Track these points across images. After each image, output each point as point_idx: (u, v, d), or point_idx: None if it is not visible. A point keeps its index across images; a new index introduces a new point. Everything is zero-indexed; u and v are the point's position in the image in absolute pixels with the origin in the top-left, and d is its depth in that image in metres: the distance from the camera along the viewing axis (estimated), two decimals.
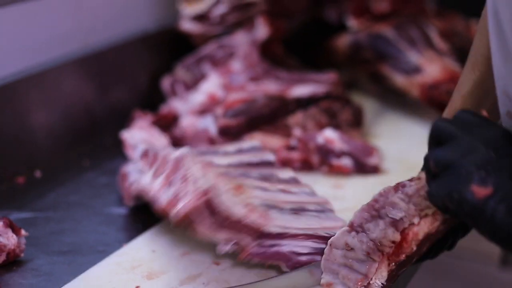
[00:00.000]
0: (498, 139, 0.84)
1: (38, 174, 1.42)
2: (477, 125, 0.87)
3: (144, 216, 1.24)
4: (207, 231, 1.01)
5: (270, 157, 1.27)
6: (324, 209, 1.13)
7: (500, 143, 0.84)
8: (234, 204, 1.05)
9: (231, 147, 1.31)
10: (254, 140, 1.45)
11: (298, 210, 1.11)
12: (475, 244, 2.69)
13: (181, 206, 1.03)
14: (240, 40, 1.66)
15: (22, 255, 1.13)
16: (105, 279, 1.07)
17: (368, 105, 1.70)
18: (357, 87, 1.81)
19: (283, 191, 1.16)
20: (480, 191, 0.80)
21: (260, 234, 1.02)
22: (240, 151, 1.29)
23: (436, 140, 0.91)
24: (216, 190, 1.04)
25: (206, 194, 1.03)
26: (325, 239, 1.00)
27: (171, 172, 1.10)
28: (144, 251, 1.14)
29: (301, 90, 1.54)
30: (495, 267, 2.56)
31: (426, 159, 0.91)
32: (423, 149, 1.50)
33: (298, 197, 1.15)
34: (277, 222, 1.05)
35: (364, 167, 1.38)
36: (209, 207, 1.02)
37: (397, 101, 1.73)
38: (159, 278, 1.06)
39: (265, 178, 1.18)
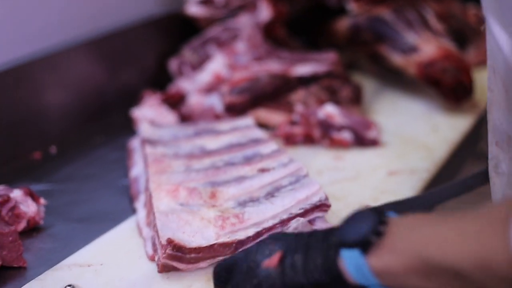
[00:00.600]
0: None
1: (53, 150, 1.49)
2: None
3: None
4: (189, 267, 1.04)
5: (258, 134, 1.36)
6: (298, 178, 1.18)
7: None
8: (204, 229, 1.08)
9: (227, 125, 1.40)
10: (258, 115, 1.52)
11: (273, 192, 1.16)
12: None
13: (157, 263, 1.05)
14: (244, 22, 1.73)
15: (42, 222, 1.21)
16: (120, 242, 1.14)
17: (367, 84, 1.77)
18: (357, 68, 1.87)
19: (262, 170, 1.22)
20: (270, 262, 0.83)
21: (237, 244, 1.05)
22: (234, 129, 1.37)
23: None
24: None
25: (169, 244, 1.03)
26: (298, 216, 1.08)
27: (149, 206, 1.16)
28: None
29: (302, 69, 1.61)
30: None
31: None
32: (419, 124, 1.58)
33: (273, 175, 1.20)
34: (252, 220, 1.10)
35: (363, 140, 1.45)
36: (178, 253, 1.03)
37: (395, 79, 1.79)
38: None
39: (248, 160, 1.26)
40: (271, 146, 1.30)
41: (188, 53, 1.75)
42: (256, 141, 1.32)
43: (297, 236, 0.84)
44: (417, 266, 0.70)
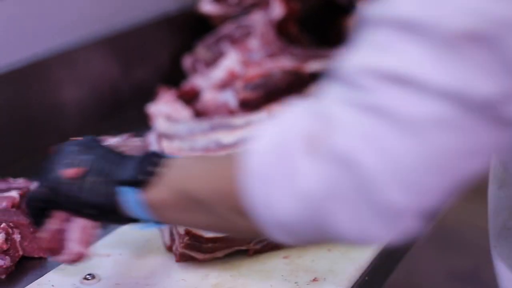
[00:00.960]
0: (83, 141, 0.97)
1: None
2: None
3: None
4: (206, 257, 1.06)
5: None
6: None
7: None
8: None
9: (241, 119, 1.41)
10: (272, 111, 1.54)
11: None
12: (482, 221, 2.77)
13: (174, 253, 1.08)
14: (257, 20, 1.76)
15: None
16: (138, 233, 1.15)
17: None
18: None
19: None
20: (71, 172, 0.88)
21: None
22: (248, 123, 1.39)
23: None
24: None
25: (187, 234, 1.05)
26: None
27: None
28: None
29: (315, 65, 1.64)
30: None
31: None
32: None
33: None
34: None
35: None
36: (195, 243, 1.06)
37: None
38: None
39: None
40: None
41: (201, 50, 1.78)
42: None
43: (102, 155, 0.89)
44: (180, 199, 0.80)
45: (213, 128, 1.38)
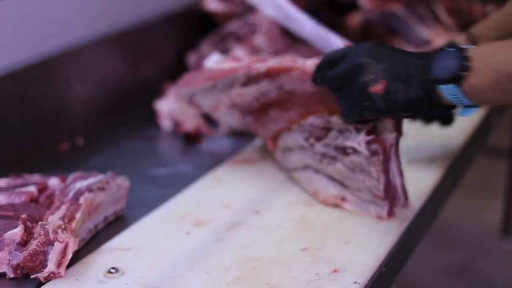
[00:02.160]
0: (374, 48, 1.05)
1: (80, 141, 1.53)
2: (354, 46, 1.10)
3: (186, 176, 1.36)
4: None
5: None
6: None
7: (377, 49, 1.05)
8: None
9: None
10: None
11: None
12: (478, 216, 2.81)
13: None
14: (262, 17, 1.77)
15: None
16: (157, 227, 1.18)
17: None
18: None
19: None
20: (377, 89, 1.02)
21: None
22: None
23: (328, 66, 1.12)
24: None
25: None
26: None
27: None
28: (189, 203, 1.25)
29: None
30: (496, 237, 2.67)
31: (327, 81, 1.11)
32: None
33: None
34: None
35: None
36: None
37: None
38: (207, 225, 1.18)
39: None
40: None
41: (206, 48, 1.79)
42: None
43: (396, 61, 1.03)
44: (500, 80, 0.94)
45: None
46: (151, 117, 1.64)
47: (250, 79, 1.27)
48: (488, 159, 2.70)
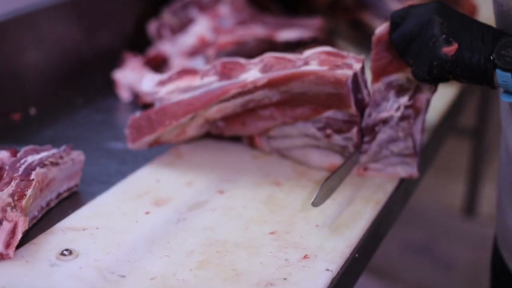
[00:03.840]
0: (442, 8, 1.05)
1: (33, 111, 1.44)
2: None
3: (144, 150, 1.27)
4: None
5: None
6: None
7: (445, 9, 1.05)
8: None
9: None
10: None
11: None
12: (439, 195, 2.78)
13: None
14: None
15: None
16: (114, 206, 1.10)
17: (348, 50, 1.74)
18: (336, 34, 1.85)
19: None
20: (449, 50, 1.02)
21: None
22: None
23: (395, 24, 1.10)
24: None
25: None
26: None
27: None
28: (148, 180, 1.17)
29: (288, 34, 1.58)
30: (458, 218, 2.65)
31: (393, 40, 1.10)
32: None
33: None
34: None
35: None
36: None
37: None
38: (167, 205, 1.10)
39: None
40: None
41: (167, 16, 1.71)
42: None
43: (467, 28, 1.03)
44: None
45: None
46: (109, 87, 1.55)
47: (241, 93, 1.17)
48: (450, 139, 2.67)
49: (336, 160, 1.18)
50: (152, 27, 1.71)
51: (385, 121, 1.14)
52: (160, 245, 1.00)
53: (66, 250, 0.98)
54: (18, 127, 1.39)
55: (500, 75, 0.99)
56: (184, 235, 1.02)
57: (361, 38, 1.80)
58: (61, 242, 1.00)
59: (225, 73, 1.18)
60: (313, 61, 1.13)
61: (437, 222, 2.62)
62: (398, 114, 1.13)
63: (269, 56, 1.17)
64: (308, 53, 1.15)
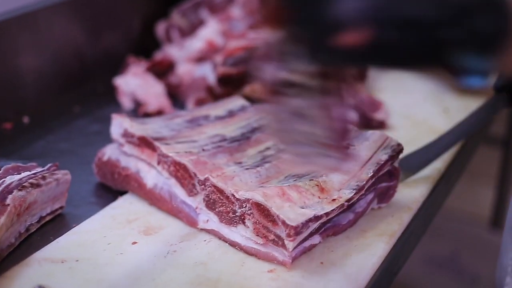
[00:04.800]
0: None
1: (26, 120, 1.35)
2: None
3: None
4: None
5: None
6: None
7: None
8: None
9: (220, 109, 1.19)
10: (255, 89, 1.37)
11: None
12: (467, 207, 2.66)
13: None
14: None
15: None
16: (99, 233, 1.00)
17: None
18: None
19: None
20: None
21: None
22: (231, 114, 1.18)
23: None
24: None
25: None
26: None
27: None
28: (140, 204, 1.07)
29: None
30: (485, 229, 2.54)
31: None
32: (428, 105, 1.45)
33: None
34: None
35: (370, 121, 1.31)
36: None
37: None
38: (158, 234, 1.00)
39: None
40: None
41: (177, 17, 1.60)
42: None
43: None
44: None
45: (195, 123, 1.16)
46: (111, 94, 1.45)
47: None
48: (481, 147, 2.55)
49: None
50: (160, 28, 1.60)
51: None
52: (144, 283, 0.90)
53: (40, 287, 0.88)
54: (8, 138, 1.29)
55: None
56: (172, 272, 0.92)
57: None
58: (36, 276, 0.90)
59: (177, 177, 1.03)
60: (248, 219, 0.95)
61: (463, 233, 2.51)
62: None
63: (212, 183, 0.98)
64: (244, 194, 0.96)
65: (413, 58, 0.74)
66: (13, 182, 0.99)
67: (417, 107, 1.44)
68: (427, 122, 1.38)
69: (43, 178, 1.02)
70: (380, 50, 0.73)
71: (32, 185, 1.00)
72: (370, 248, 0.97)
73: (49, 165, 1.06)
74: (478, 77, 0.75)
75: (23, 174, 1.01)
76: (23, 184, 0.98)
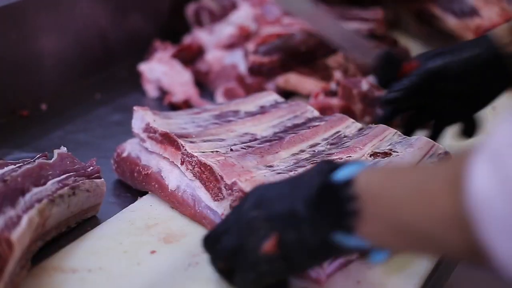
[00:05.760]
0: (255, 194, 0.79)
1: (43, 107, 1.26)
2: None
3: None
4: None
5: (310, 110, 1.09)
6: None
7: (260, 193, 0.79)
8: None
9: (250, 104, 1.10)
10: (289, 80, 1.28)
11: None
12: None
13: None
14: None
15: None
16: (115, 240, 0.91)
17: (413, 48, 1.52)
18: (400, 27, 1.63)
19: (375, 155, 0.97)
20: (269, 247, 0.75)
21: None
22: (263, 110, 1.08)
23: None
24: None
25: None
26: None
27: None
28: (161, 207, 0.98)
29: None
30: None
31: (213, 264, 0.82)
32: None
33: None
34: None
35: None
36: None
37: (445, 45, 1.54)
38: (179, 242, 0.91)
39: (336, 145, 1.00)
40: (346, 123, 1.06)
41: None
42: (315, 119, 1.08)
43: (280, 198, 0.76)
44: (397, 232, 0.69)
45: (223, 118, 1.07)
46: (135, 81, 1.36)
47: None
48: None
49: None
50: (190, 10, 1.52)
51: None
52: None
53: None
54: (25, 126, 1.21)
55: (339, 237, 0.72)
56: (192, 286, 0.83)
57: (427, 32, 1.58)
58: (43, 287, 0.82)
59: (202, 179, 0.94)
60: None
61: None
62: None
63: (239, 188, 0.89)
64: None
65: None
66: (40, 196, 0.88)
67: None
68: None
69: (73, 189, 0.92)
70: None
71: (62, 196, 0.90)
72: (411, 266, 0.88)
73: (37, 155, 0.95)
74: None
75: (53, 181, 0.90)
76: (51, 196, 0.88)
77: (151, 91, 1.33)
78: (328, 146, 0.99)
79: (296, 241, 0.74)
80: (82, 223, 0.96)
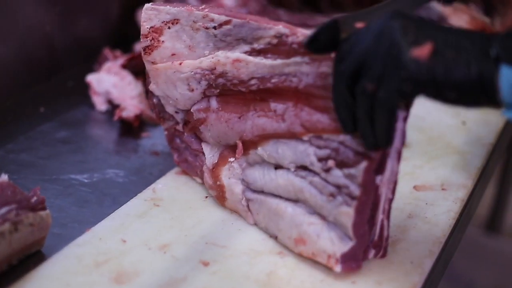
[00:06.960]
0: (400, 14, 0.76)
1: None
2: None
3: (114, 188, 1.00)
4: None
5: None
6: None
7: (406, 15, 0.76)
8: None
9: None
10: None
11: None
12: None
13: None
14: None
15: None
16: (61, 281, 0.82)
17: None
18: None
19: None
20: (421, 52, 0.73)
21: None
22: None
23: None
24: None
25: None
26: None
27: None
28: (111, 240, 0.89)
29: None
30: (480, 232, 2.43)
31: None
32: (444, 116, 1.28)
33: None
34: None
35: None
36: None
37: None
38: (131, 282, 0.82)
39: None
40: None
41: (161, 2, 1.42)
42: None
43: (444, 28, 0.75)
44: None
45: None
46: (84, 92, 1.27)
47: (274, 49, 0.88)
48: None
49: (333, 248, 0.85)
50: (140, 16, 1.42)
51: None
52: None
53: None
54: None
55: (506, 75, 0.70)
56: None
57: None
58: None
59: None
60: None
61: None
62: None
63: None
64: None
65: None
66: None
67: (431, 119, 1.27)
68: (444, 138, 1.21)
69: (15, 224, 0.83)
70: None
71: (2, 233, 0.81)
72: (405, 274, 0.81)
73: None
74: None
75: None
76: None
77: (100, 104, 1.24)
78: None
79: (452, 60, 0.71)
80: (25, 260, 0.86)
